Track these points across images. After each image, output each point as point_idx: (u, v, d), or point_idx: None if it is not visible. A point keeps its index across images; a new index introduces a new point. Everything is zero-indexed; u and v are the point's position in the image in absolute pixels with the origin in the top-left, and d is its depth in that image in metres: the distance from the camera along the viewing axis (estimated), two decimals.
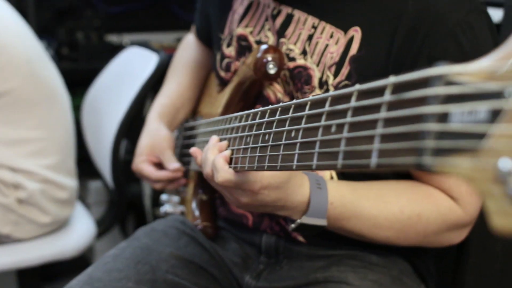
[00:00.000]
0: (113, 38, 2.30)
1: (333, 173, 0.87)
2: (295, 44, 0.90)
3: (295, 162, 0.57)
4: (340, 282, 0.89)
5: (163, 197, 1.18)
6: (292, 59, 0.90)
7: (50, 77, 1.48)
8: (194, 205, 1.06)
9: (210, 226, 1.02)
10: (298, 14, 0.91)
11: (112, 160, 1.53)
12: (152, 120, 1.14)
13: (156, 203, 1.24)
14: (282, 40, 0.91)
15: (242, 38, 0.98)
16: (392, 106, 0.41)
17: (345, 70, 0.85)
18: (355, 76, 0.84)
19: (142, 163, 1.10)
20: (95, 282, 0.90)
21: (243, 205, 0.78)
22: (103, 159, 1.62)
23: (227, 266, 0.99)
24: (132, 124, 1.48)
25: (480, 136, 0.32)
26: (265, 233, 0.97)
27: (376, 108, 0.43)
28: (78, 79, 1.57)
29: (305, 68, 0.88)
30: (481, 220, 0.85)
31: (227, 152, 0.75)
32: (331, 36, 0.86)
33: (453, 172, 0.34)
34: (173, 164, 1.07)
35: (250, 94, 0.97)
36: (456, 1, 0.81)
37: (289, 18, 0.92)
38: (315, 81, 0.87)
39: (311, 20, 0.89)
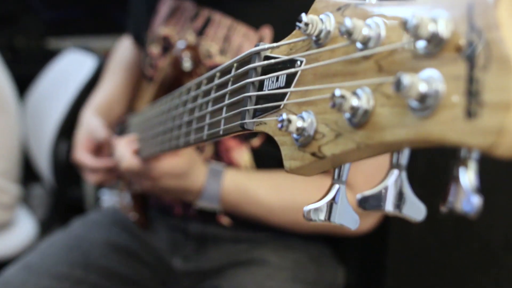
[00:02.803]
0: (53, 43, 2.29)
1: (247, 162, 0.94)
2: (213, 42, 0.97)
3: (181, 140, 0.64)
4: (262, 262, 0.96)
5: (102, 190, 1.24)
6: (211, 57, 0.97)
7: (1, 85, 1.51)
8: (127, 197, 1.12)
9: (142, 216, 1.09)
10: (215, 16, 0.98)
11: (52, 161, 1.57)
12: (86, 115, 1.18)
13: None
14: (202, 40, 0.98)
15: (166, 38, 1.05)
16: (234, 81, 0.48)
17: None
18: None
19: (79, 152, 1.12)
20: (30, 267, 0.96)
21: (146, 189, 0.90)
22: (44, 162, 1.65)
23: (157, 252, 1.05)
24: (71, 126, 1.52)
25: (281, 97, 0.40)
26: (192, 220, 1.03)
27: (226, 84, 0.50)
28: (18, 85, 1.60)
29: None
30: None
31: (133, 143, 0.85)
32: (245, 35, 0.94)
33: (264, 130, 0.41)
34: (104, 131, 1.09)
35: (172, 90, 1.04)
36: None
37: (208, 20, 0.99)
38: None
39: (227, 21, 0.96)
